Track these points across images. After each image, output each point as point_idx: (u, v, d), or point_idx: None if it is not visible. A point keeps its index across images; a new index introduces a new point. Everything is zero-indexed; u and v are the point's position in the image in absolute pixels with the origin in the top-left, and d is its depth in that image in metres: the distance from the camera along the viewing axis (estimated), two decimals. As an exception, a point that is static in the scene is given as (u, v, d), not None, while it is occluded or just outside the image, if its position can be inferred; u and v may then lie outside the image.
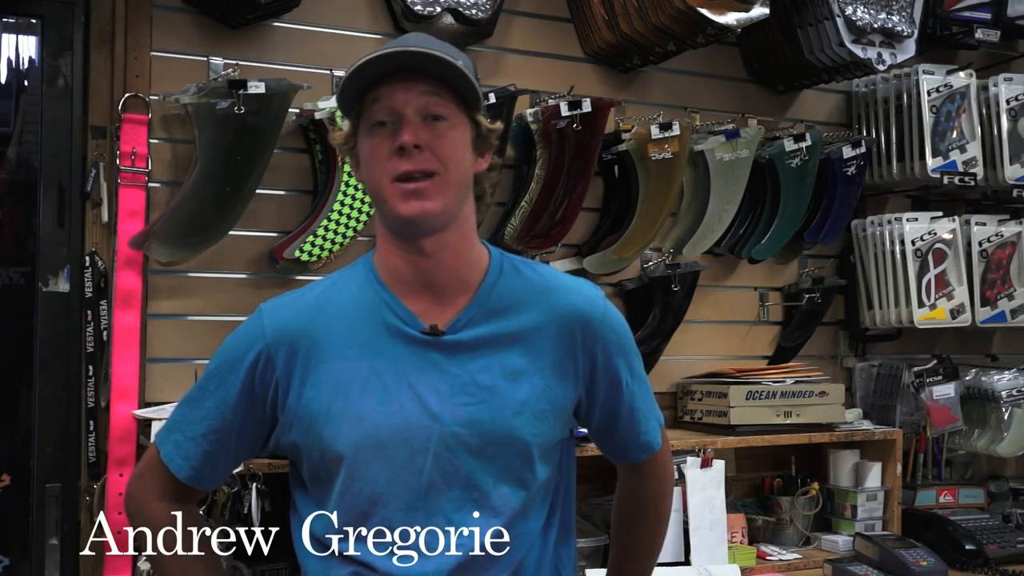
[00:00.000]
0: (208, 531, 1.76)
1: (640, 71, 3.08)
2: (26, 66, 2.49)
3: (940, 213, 3.29)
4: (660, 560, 1.92)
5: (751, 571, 2.76)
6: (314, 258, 2.55)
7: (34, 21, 2.47)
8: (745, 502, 3.06)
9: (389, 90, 1.49)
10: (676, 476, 2.45)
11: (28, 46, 2.48)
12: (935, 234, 3.25)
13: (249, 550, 2.24)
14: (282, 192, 2.64)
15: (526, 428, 1.54)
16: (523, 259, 1.67)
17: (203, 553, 1.67)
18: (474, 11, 2.66)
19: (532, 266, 1.66)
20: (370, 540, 1.52)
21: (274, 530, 2.10)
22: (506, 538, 1.54)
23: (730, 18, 2.76)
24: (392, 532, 1.52)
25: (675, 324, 3.02)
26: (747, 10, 2.79)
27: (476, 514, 1.53)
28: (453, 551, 1.51)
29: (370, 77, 1.49)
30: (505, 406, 1.53)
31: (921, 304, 3.21)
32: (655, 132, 2.87)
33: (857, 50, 3.01)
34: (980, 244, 3.33)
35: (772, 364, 3.21)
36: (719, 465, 2.77)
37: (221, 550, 2.21)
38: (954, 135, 3.26)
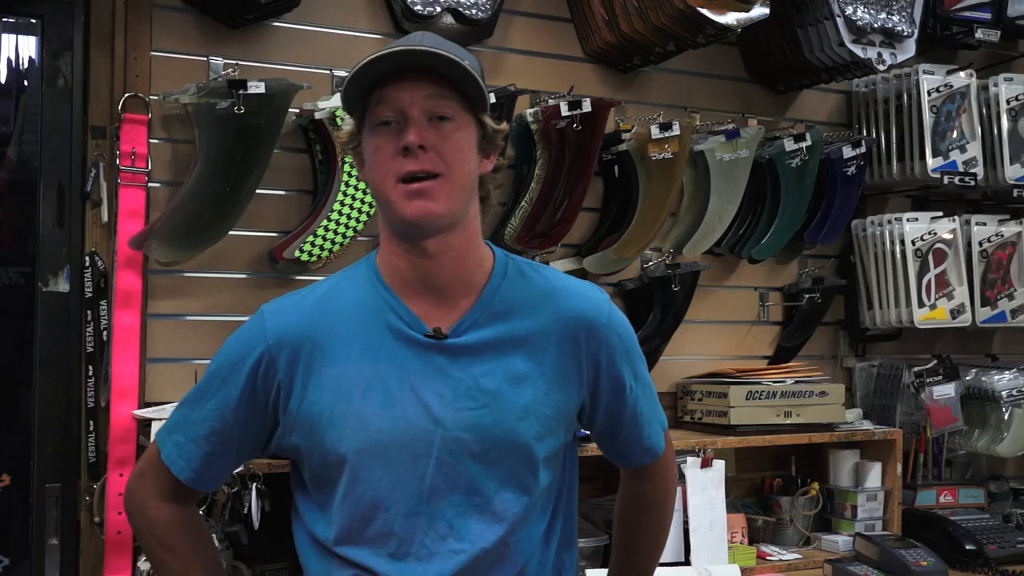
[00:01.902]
0: (208, 531, 1.76)
1: (640, 71, 3.08)
2: (26, 66, 2.49)
3: (940, 213, 3.29)
4: (660, 560, 1.91)
5: (751, 571, 2.76)
6: (314, 258, 2.55)
7: (34, 21, 2.47)
8: (745, 502, 3.06)
9: (395, 90, 1.48)
10: (678, 477, 2.45)
11: (28, 46, 2.48)
12: (935, 234, 3.25)
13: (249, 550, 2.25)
14: (282, 192, 2.64)
15: (529, 433, 1.54)
16: (528, 261, 1.66)
17: (203, 553, 1.67)
18: (474, 11, 2.66)
19: (537, 269, 1.65)
20: (371, 544, 1.52)
21: (274, 530, 2.10)
22: (508, 543, 1.54)
23: (730, 18, 2.76)
24: (394, 536, 1.51)
25: (675, 324, 3.02)
26: (747, 10, 2.79)
27: (478, 519, 1.52)
28: (455, 556, 1.51)
29: (375, 76, 1.48)
30: (508, 411, 1.53)
31: (921, 304, 3.21)
32: (655, 132, 2.87)
33: (857, 50, 3.01)
34: (980, 244, 3.33)
35: (772, 364, 3.21)
36: (719, 465, 2.77)
37: (221, 550, 2.21)
38: (954, 135, 3.26)
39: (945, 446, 3.37)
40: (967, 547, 2.96)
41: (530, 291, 1.60)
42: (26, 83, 2.49)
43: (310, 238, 2.54)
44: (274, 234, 2.62)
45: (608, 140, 2.91)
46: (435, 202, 1.47)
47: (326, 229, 2.55)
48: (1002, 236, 3.36)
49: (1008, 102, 3.33)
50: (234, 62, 2.54)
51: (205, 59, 2.55)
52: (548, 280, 1.63)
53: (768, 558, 2.86)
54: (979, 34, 3.31)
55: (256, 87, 2.42)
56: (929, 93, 3.23)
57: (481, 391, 1.52)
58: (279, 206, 2.63)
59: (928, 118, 3.22)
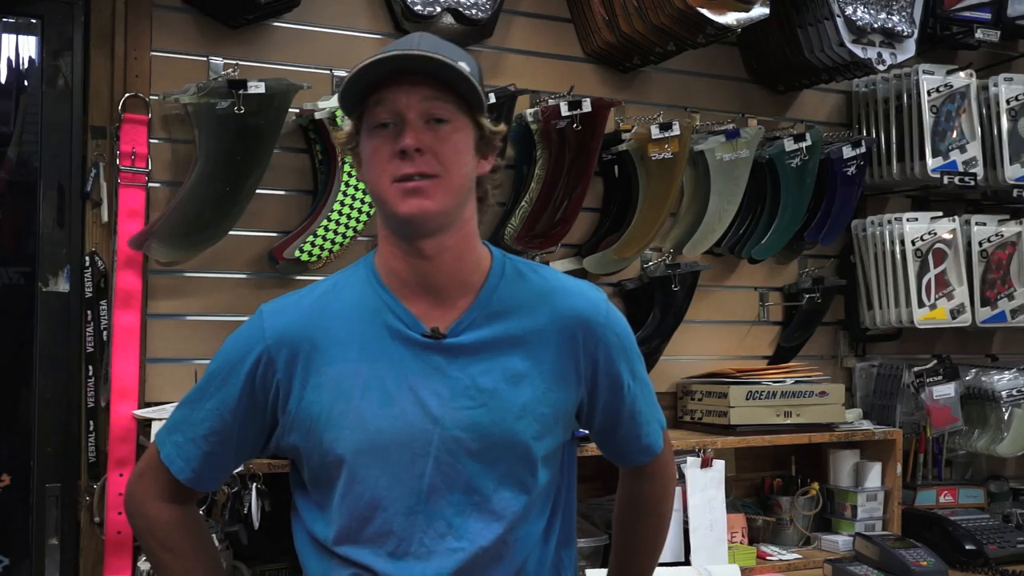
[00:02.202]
0: (208, 531, 1.76)
1: (640, 71, 3.08)
2: (26, 66, 2.49)
3: (940, 213, 3.29)
4: (660, 560, 1.91)
5: (751, 571, 2.76)
6: (314, 258, 2.55)
7: (34, 21, 2.47)
8: (745, 502, 3.06)
9: (392, 92, 1.48)
10: (677, 476, 2.45)
11: (28, 46, 2.48)
12: (935, 234, 3.25)
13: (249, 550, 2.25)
14: (282, 192, 2.64)
15: (528, 432, 1.54)
16: (526, 261, 1.66)
17: (203, 553, 1.67)
18: (474, 11, 2.66)
19: (535, 268, 1.65)
20: (371, 543, 1.52)
21: (274, 530, 2.10)
22: (507, 542, 1.54)
23: (730, 18, 2.76)
24: (393, 535, 1.51)
25: (675, 324, 3.02)
26: (747, 10, 2.79)
27: (477, 518, 1.52)
28: (453, 555, 1.51)
29: (372, 79, 1.49)
30: (506, 410, 1.53)
31: (921, 304, 3.21)
32: (655, 132, 2.87)
33: (857, 50, 3.01)
34: (980, 244, 3.33)
35: (772, 364, 3.21)
36: (719, 465, 2.77)
37: (221, 550, 2.22)
38: (954, 135, 3.26)
39: (945, 446, 3.37)
40: (967, 547, 2.97)
41: (528, 291, 1.60)
42: (26, 83, 2.49)
43: (310, 238, 2.54)
44: (274, 234, 2.62)
45: (608, 140, 2.91)
46: (430, 200, 1.48)
47: (326, 229, 2.55)
48: (1002, 236, 3.36)
49: (1008, 102, 3.33)
50: (234, 62, 2.54)
51: (205, 59, 2.55)
52: (546, 280, 1.63)
53: (768, 558, 2.86)
54: (979, 34, 3.31)
55: (256, 87, 2.42)
56: (929, 93, 3.23)
57: (479, 390, 1.53)
58: (279, 206, 2.64)
59: (928, 118, 3.22)
